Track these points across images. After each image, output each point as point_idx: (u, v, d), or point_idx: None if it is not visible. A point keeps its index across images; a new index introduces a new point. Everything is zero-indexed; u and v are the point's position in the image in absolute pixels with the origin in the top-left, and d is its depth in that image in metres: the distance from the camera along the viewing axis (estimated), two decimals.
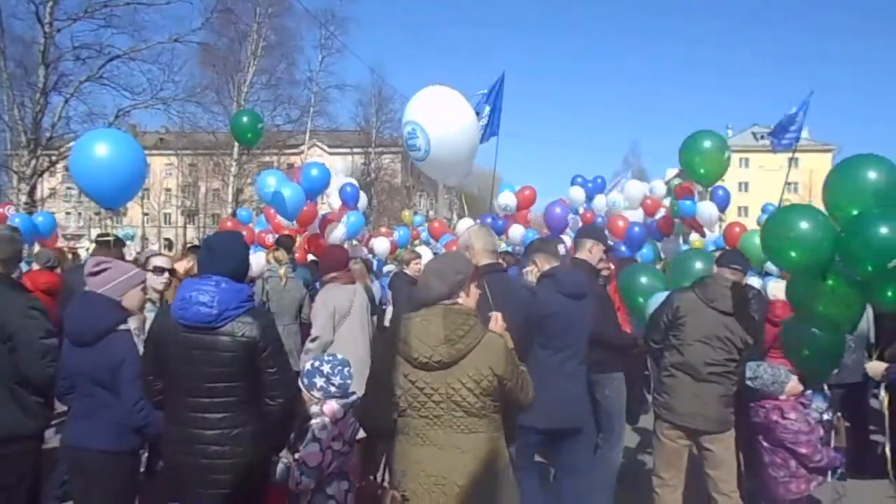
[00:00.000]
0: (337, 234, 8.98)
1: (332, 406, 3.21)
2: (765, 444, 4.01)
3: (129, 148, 4.67)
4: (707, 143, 5.47)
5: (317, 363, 3.34)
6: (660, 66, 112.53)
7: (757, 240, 8.43)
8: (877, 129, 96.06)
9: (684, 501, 4.07)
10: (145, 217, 51.34)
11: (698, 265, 4.41)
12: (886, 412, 3.89)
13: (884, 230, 3.06)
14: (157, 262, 4.52)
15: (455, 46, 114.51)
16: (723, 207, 10.04)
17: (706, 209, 8.57)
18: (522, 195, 11.26)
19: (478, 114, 10.21)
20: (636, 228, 9.15)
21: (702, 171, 5.61)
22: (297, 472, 3.04)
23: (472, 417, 2.51)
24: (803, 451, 3.87)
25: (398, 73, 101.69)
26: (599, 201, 11.36)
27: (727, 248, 7.23)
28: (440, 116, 4.57)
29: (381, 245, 11.35)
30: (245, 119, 9.12)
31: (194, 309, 2.66)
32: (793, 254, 3.40)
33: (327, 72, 32.08)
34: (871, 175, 3.32)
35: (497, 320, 2.69)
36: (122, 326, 3.07)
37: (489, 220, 11.01)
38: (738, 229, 8.48)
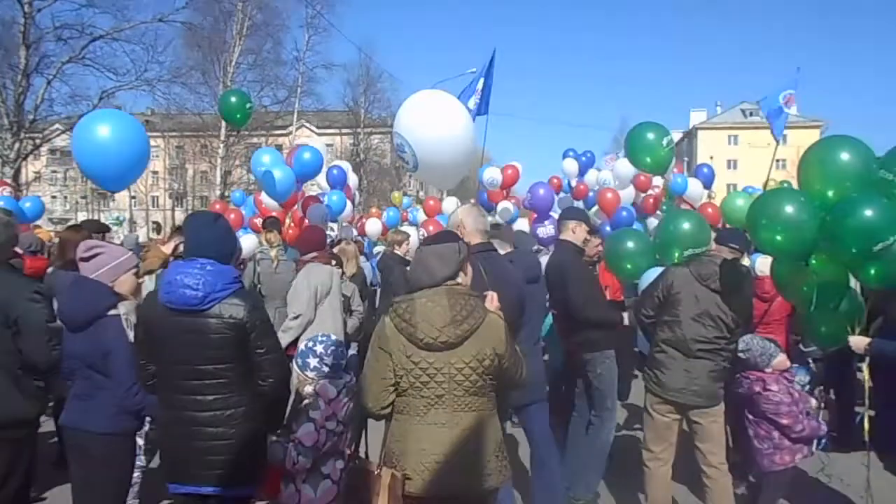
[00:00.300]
0: (318, 213, 8.98)
1: (325, 386, 3.22)
2: (749, 416, 4.09)
3: (133, 129, 4.56)
4: (650, 135, 5.59)
5: (310, 343, 3.35)
6: (648, 44, 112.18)
7: (740, 201, 8.53)
8: (865, 104, 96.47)
9: (674, 474, 4.16)
10: (132, 200, 50.79)
11: (686, 226, 4.43)
12: (866, 385, 3.96)
13: (869, 214, 3.12)
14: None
15: (444, 24, 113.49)
16: (707, 184, 10.08)
17: (694, 186, 8.62)
18: (506, 173, 11.27)
19: (471, 94, 10.16)
20: (624, 213, 9.18)
21: (648, 160, 5.73)
22: (294, 453, 3.06)
23: (472, 396, 2.57)
24: (784, 421, 3.94)
25: (386, 52, 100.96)
26: (591, 176, 11.39)
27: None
28: (426, 129, 4.44)
29: (372, 226, 11.35)
30: (233, 99, 9.02)
31: (180, 292, 2.67)
32: (778, 238, 3.46)
33: (314, 51, 31.72)
34: (847, 157, 3.37)
35: (493, 300, 2.72)
36: (112, 311, 3.08)
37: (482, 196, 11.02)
38: (710, 210, 8.54)
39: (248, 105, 8.97)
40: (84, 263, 3.14)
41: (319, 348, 3.30)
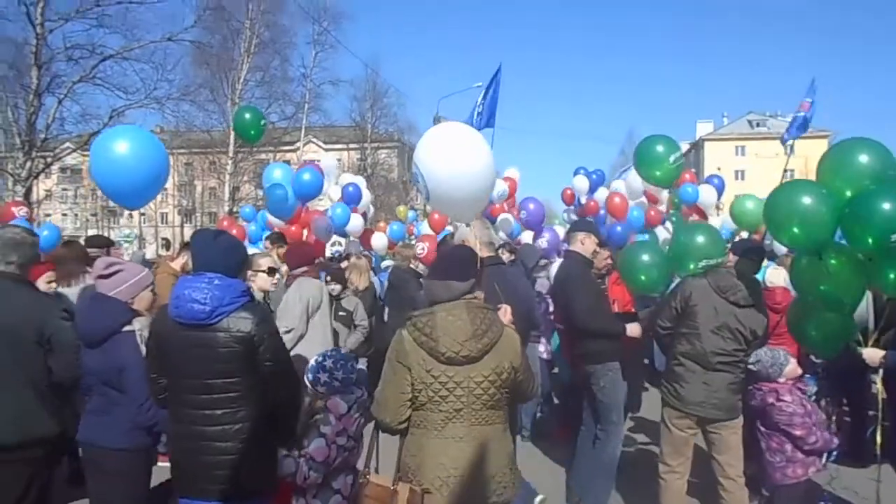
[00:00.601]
0: (321, 227, 9.05)
1: (335, 402, 3.22)
2: (762, 428, 4.04)
3: (151, 145, 4.52)
4: (659, 148, 5.61)
5: (320, 358, 3.36)
6: (654, 55, 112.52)
7: (749, 204, 8.48)
8: (873, 115, 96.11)
9: (689, 488, 4.12)
10: (142, 217, 51.24)
11: (700, 238, 4.44)
12: (879, 398, 3.92)
13: (886, 205, 3.16)
14: (267, 262, 4.77)
15: (449, 39, 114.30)
16: (718, 193, 10.06)
17: (707, 194, 8.59)
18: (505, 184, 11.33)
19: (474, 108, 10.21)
20: (635, 212, 9.17)
21: (657, 174, 5.74)
22: (305, 468, 3.06)
23: (489, 410, 2.58)
24: (798, 432, 3.89)
25: (393, 68, 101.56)
26: (601, 193, 11.41)
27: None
28: (439, 163, 4.43)
29: (378, 241, 11.37)
30: (248, 115, 9.12)
31: (188, 306, 2.68)
32: (795, 230, 3.47)
33: (321, 67, 32.05)
34: (865, 158, 3.39)
35: (507, 313, 2.73)
36: (127, 328, 3.10)
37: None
38: (695, 216, 8.50)
39: (262, 122, 9.07)
40: (104, 280, 3.17)
41: (329, 363, 3.30)
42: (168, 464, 2.98)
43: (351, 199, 10.07)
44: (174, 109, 24.53)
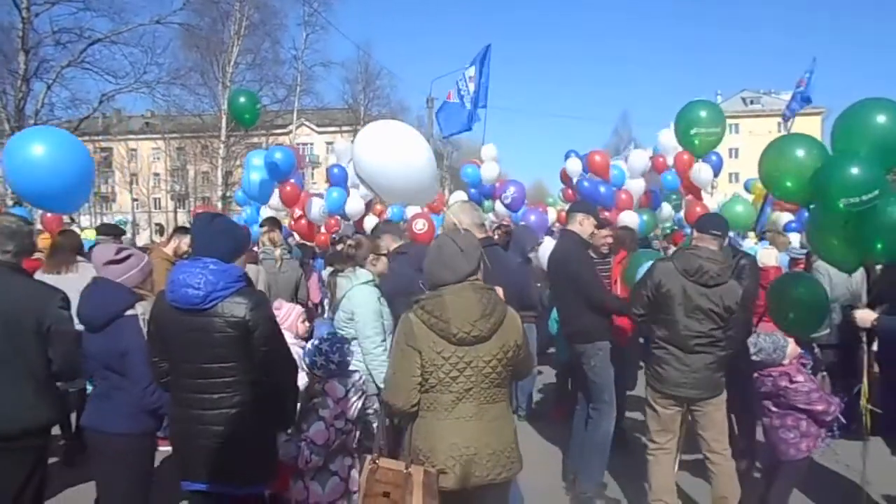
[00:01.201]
0: (315, 210, 9.11)
1: (333, 385, 3.24)
2: (774, 409, 4.01)
3: (70, 146, 4.20)
4: (703, 113, 5.47)
5: (316, 342, 3.38)
6: (646, 33, 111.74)
7: (739, 207, 8.58)
8: (865, 91, 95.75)
9: (680, 465, 4.17)
10: (135, 203, 50.99)
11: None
12: (865, 364, 3.95)
13: (839, 172, 3.38)
14: (389, 244, 4.75)
15: (442, 20, 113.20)
16: (716, 172, 10.06)
17: (704, 171, 8.57)
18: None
19: (462, 95, 10.23)
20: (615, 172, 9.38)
21: (696, 142, 5.63)
22: (307, 451, 3.09)
23: (496, 388, 2.64)
24: (819, 407, 3.88)
25: (385, 50, 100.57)
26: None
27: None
28: (380, 170, 4.46)
29: (370, 223, 11.33)
30: (242, 99, 9.08)
31: (182, 291, 2.70)
32: (788, 183, 3.61)
33: (312, 49, 31.71)
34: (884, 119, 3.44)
35: (500, 293, 2.75)
36: (130, 311, 3.13)
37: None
38: (698, 209, 8.57)
39: (257, 105, 9.02)
40: (114, 266, 3.20)
41: (325, 346, 3.32)
42: (168, 448, 3.02)
43: (338, 180, 10.04)
44: (164, 93, 24.44)
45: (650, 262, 4.44)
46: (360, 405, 3.28)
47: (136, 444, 3.13)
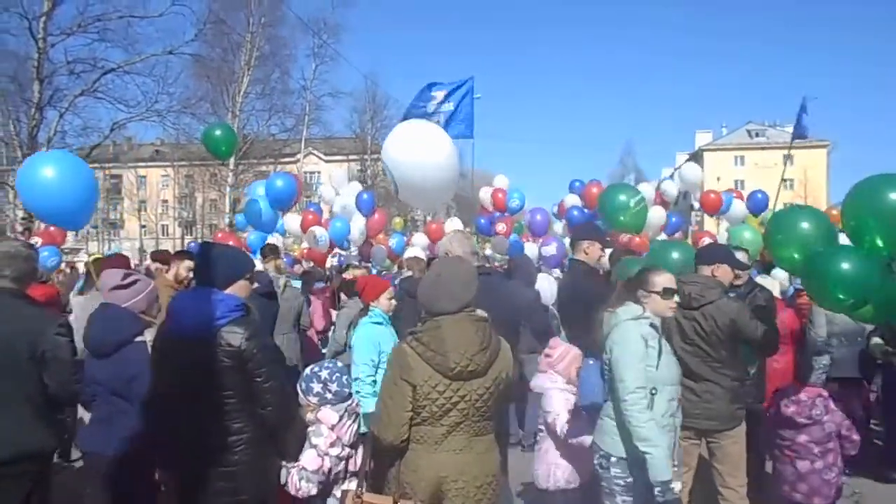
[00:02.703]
0: (313, 238, 9.23)
1: (326, 412, 3.21)
2: (815, 450, 3.90)
3: (76, 167, 4.58)
4: (621, 197, 5.72)
5: (315, 368, 3.34)
6: (653, 65, 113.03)
7: (747, 234, 8.55)
8: (871, 125, 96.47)
9: (692, 498, 4.09)
10: (143, 229, 51.32)
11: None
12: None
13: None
14: (664, 282, 4.00)
15: (449, 50, 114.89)
16: (757, 211, 10.19)
17: (737, 207, 8.61)
18: (496, 197, 11.40)
19: (424, 105, 10.42)
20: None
21: (623, 219, 5.86)
22: (297, 478, 3.05)
23: (485, 421, 2.60)
24: (856, 436, 3.85)
25: (392, 79, 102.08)
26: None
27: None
28: (405, 156, 4.75)
29: (381, 253, 11.39)
30: (218, 132, 9.19)
31: (181, 321, 2.72)
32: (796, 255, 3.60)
33: (321, 80, 32.18)
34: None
35: None
36: (139, 338, 3.14)
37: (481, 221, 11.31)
38: (707, 239, 8.59)
39: (232, 138, 9.16)
40: (121, 291, 3.22)
41: (325, 374, 3.28)
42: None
43: (364, 206, 10.21)
44: (175, 122, 24.72)
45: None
46: (355, 428, 3.25)
47: (132, 468, 3.10)
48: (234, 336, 2.72)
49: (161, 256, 6.35)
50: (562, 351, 3.89)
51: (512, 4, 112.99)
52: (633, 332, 3.11)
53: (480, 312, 2.67)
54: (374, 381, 4.00)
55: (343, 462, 3.19)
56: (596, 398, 3.34)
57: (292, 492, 3.06)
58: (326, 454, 3.12)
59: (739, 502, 3.86)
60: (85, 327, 3.22)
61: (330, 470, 3.14)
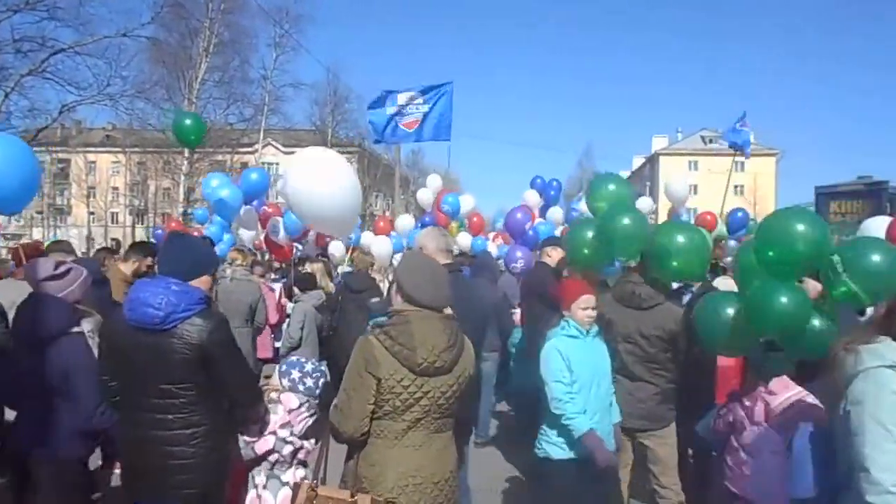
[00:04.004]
0: (272, 229, 9.21)
1: (289, 396, 3.22)
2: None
3: (12, 147, 4.32)
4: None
5: (303, 360, 3.37)
6: (613, 68, 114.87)
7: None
8: (816, 136, 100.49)
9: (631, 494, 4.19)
10: (91, 216, 49.67)
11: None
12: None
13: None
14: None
15: (412, 46, 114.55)
16: (735, 229, 10.52)
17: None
18: (472, 221, 11.87)
19: (402, 107, 10.54)
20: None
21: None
22: (242, 442, 3.06)
23: (445, 418, 2.60)
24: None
25: (355, 73, 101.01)
26: (555, 213, 11.32)
27: None
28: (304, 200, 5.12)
29: (337, 247, 11.29)
30: (188, 121, 9.03)
31: (142, 310, 2.66)
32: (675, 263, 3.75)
33: (282, 70, 31.78)
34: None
35: None
36: (76, 329, 3.01)
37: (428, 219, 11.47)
38: None
39: (202, 127, 9.05)
40: (54, 282, 3.10)
41: (308, 367, 3.31)
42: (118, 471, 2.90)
43: None
44: (128, 107, 23.87)
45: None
46: (310, 423, 3.23)
47: (72, 469, 3.00)
48: (197, 329, 2.69)
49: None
50: (789, 396, 2.99)
51: (475, 4, 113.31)
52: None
53: (447, 310, 2.68)
54: (572, 397, 3.53)
55: (290, 448, 3.18)
56: (809, 492, 2.54)
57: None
58: (273, 433, 3.13)
59: (676, 498, 3.98)
60: (13, 319, 3.08)
61: (274, 449, 3.14)
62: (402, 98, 10.93)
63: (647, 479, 4.10)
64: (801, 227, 2.85)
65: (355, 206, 5.40)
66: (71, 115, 24.27)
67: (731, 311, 3.08)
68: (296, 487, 2.79)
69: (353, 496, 2.52)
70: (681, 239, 3.80)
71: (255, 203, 9.90)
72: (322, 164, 5.41)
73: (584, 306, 3.67)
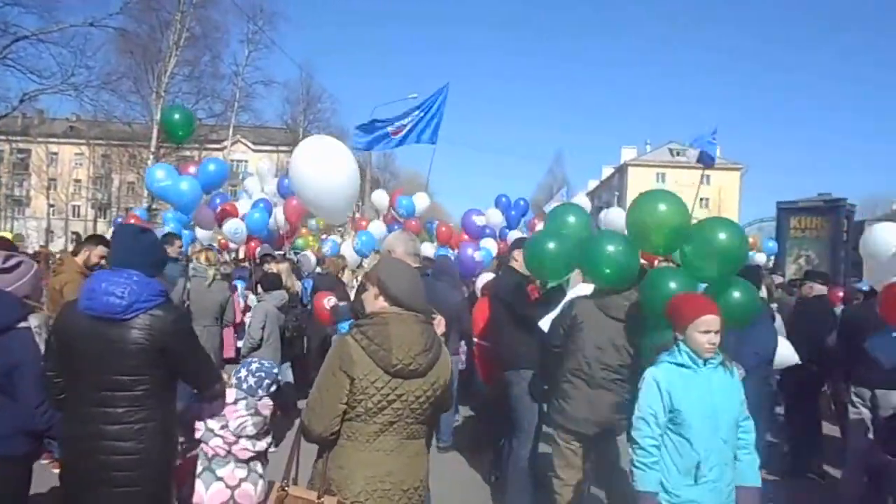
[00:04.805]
0: (232, 227, 9.11)
1: (230, 392, 3.23)
2: None
3: None
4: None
5: (256, 360, 3.44)
6: (585, 81, 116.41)
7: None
8: (778, 152, 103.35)
9: (586, 499, 4.21)
10: (51, 209, 48.35)
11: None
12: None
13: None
14: None
15: (385, 48, 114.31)
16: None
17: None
18: (440, 231, 11.98)
19: (405, 115, 10.63)
20: None
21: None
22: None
23: (419, 424, 2.58)
24: None
25: (327, 72, 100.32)
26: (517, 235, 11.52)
27: None
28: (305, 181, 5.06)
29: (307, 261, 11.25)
30: (178, 116, 8.90)
31: (104, 299, 2.61)
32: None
33: (254, 67, 31.44)
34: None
35: (441, 325, 2.74)
36: (23, 324, 2.91)
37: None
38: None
39: (192, 123, 8.96)
40: (5, 275, 3.00)
41: (254, 366, 3.35)
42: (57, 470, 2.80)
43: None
44: (93, 98, 23.46)
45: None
46: (249, 423, 3.19)
47: (12, 470, 2.87)
48: (159, 320, 2.67)
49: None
50: None
51: (449, 10, 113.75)
52: None
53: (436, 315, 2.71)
54: (657, 447, 2.92)
55: (218, 442, 3.15)
56: None
57: None
58: (204, 421, 3.14)
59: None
60: None
61: (201, 438, 3.14)
62: (395, 124, 11.05)
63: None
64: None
65: (355, 194, 5.48)
66: (32, 104, 23.58)
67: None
68: (270, 487, 2.82)
69: (320, 497, 2.49)
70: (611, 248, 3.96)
71: (212, 203, 9.85)
72: (330, 151, 5.38)
73: (704, 329, 2.91)
